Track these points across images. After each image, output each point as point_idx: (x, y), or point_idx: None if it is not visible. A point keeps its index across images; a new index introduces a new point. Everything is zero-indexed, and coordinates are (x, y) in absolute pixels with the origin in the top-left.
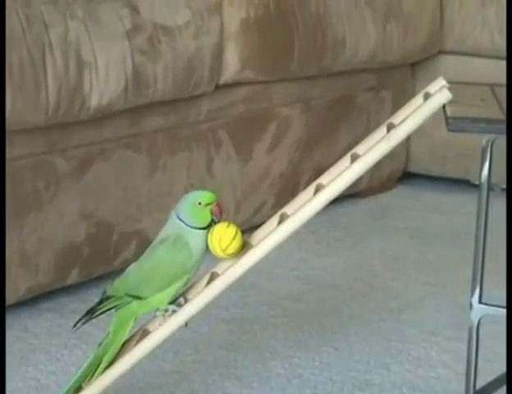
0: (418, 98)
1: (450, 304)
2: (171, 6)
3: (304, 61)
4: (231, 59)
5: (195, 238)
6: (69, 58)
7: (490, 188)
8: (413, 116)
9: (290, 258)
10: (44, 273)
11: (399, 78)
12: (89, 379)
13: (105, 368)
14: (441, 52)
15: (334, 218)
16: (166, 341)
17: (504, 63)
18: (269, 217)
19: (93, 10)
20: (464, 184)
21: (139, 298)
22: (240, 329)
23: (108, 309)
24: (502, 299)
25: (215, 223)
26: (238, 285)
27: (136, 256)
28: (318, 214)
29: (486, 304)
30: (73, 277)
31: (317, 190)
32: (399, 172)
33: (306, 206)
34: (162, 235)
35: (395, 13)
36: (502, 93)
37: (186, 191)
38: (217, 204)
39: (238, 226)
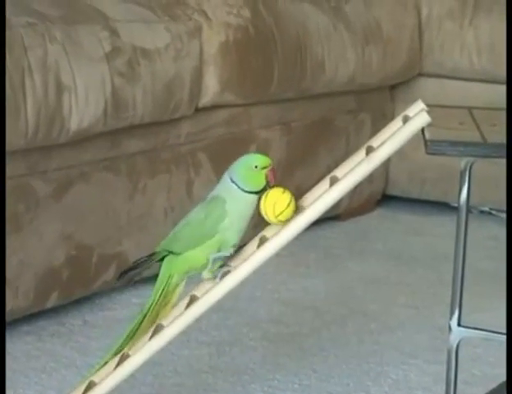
0: (397, 121)
1: (430, 326)
2: (151, 29)
3: (284, 83)
4: (211, 82)
5: (242, 202)
6: (48, 81)
7: (468, 210)
8: (391, 139)
9: (269, 280)
10: (24, 296)
11: (378, 101)
12: (134, 335)
13: (148, 321)
14: (420, 74)
15: (314, 241)
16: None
17: (482, 85)
18: (250, 238)
19: (72, 33)
20: (443, 206)
21: (172, 253)
22: (219, 352)
23: (149, 263)
24: (481, 321)
25: (269, 188)
26: (218, 307)
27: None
28: (298, 237)
29: (465, 327)
30: (53, 300)
31: (297, 213)
32: (378, 195)
33: (286, 228)
34: (210, 195)
35: (374, 36)
36: (480, 116)
37: (166, 214)
38: (272, 169)
39: (292, 193)
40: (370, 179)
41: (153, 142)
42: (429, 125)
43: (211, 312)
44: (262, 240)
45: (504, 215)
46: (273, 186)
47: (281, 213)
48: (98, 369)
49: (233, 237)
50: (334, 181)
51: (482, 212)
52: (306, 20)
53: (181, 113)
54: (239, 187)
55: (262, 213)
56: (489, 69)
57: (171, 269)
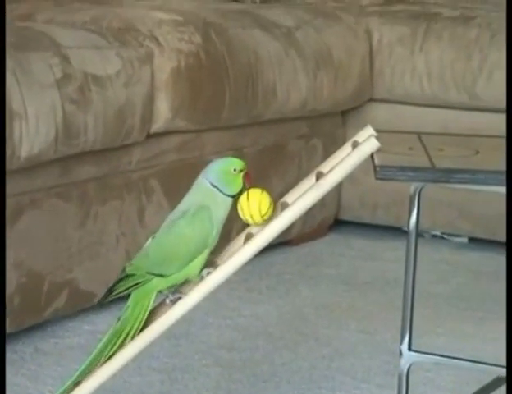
0: (347, 147)
1: (381, 351)
2: (102, 56)
3: (235, 109)
4: (162, 108)
5: (222, 206)
6: None
7: (420, 235)
8: (341, 165)
9: (222, 306)
10: None
11: (329, 126)
12: (110, 353)
13: (120, 343)
14: (372, 100)
15: (266, 266)
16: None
17: (432, 110)
18: None
19: (23, 59)
20: (395, 230)
21: (161, 276)
22: (171, 379)
23: (129, 288)
24: (432, 345)
25: (246, 190)
26: (170, 334)
27: (68, 306)
28: (250, 262)
29: (415, 352)
30: None
31: (248, 238)
32: (330, 220)
33: (236, 255)
34: (182, 206)
35: (325, 62)
36: (429, 141)
37: (118, 241)
38: (247, 171)
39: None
40: (322, 204)
41: (105, 168)
42: (378, 150)
43: (163, 338)
44: (214, 264)
45: (455, 239)
46: (249, 188)
47: (267, 211)
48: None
49: (215, 241)
50: (284, 207)
51: (434, 236)
52: (257, 47)
53: (133, 139)
54: (220, 191)
55: (245, 215)
56: (439, 94)
57: (156, 289)
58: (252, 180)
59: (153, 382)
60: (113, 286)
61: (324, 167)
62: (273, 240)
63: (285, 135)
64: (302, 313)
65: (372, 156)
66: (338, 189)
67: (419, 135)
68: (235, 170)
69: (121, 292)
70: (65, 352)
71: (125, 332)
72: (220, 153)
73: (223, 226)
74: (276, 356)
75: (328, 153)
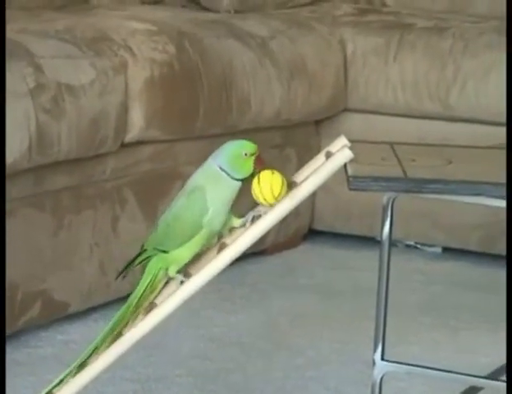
0: (320, 157)
1: (355, 360)
2: (76, 65)
3: (209, 119)
4: (136, 118)
5: (227, 189)
6: None
7: (393, 244)
8: (314, 175)
9: (195, 316)
10: None
11: (304, 135)
12: (116, 332)
13: (130, 315)
14: (346, 110)
15: (240, 276)
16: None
17: (406, 120)
18: None
19: None
20: (369, 240)
21: (164, 252)
22: (144, 389)
23: (141, 261)
24: (405, 355)
25: (257, 172)
26: (143, 344)
27: (41, 316)
28: (224, 272)
29: (388, 361)
30: None
31: (221, 248)
32: (304, 229)
33: (209, 265)
34: (189, 183)
35: (299, 72)
36: (402, 151)
37: (91, 250)
38: (259, 155)
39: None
40: (296, 213)
41: (79, 178)
42: (352, 160)
43: (136, 348)
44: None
45: (429, 249)
46: (259, 171)
47: (280, 193)
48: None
49: (219, 225)
50: (258, 217)
51: (407, 246)
52: (232, 56)
53: (107, 149)
54: (229, 175)
55: (259, 198)
56: (413, 104)
57: (159, 267)
58: (264, 163)
59: (127, 392)
60: (133, 259)
61: (297, 177)
62: (247, 250)
63: (260, 145)
64: (276, 323)
65: (345, 166)
66: (312, 198)
67: (392, 145)
68: (245, 154)
69: (135, 265)
70: (38, 362)
71: (131, 305)
72: (194, 164)
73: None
74: (249, 366)
75: (302, 162)
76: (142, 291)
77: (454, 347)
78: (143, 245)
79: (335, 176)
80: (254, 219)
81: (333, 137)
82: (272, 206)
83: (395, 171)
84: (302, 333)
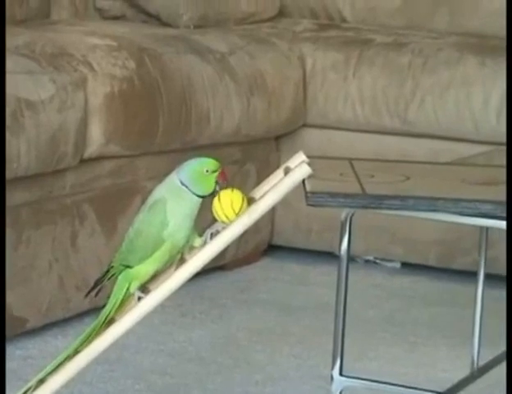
0: (279, 173)
1: (314, 376)
2: (35, 81)
3: (169, 134)
4: (96, 133)
5: (188, 204)
6: None
7: (353, 260)
8: (273, 191)
9: (155, 331)
10: None
11: (263, 151)
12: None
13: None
14: (305, 125)
15: (200, 291)
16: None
17: (366, 136)
18: None
19: None
20: (329, 255)
21: (129, 267)
22: None
23: (109, 278)
24: (364, 370)
25: (218, 191)
26: (103, 359)
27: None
28: (184, 287)
29: (346, 377)
30: None
31: (180, 264)
32: (264, 245)
33: (168, 281)
34: (151, 197)
35: (258, 87)
36: (360, 167)
37: (50, 266)
38: (222, 171)
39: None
40: (256, 229)
41: (38, 193)
42: (310, 176)
43: (95, 364)
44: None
45: (388, 264)
46: (220, 189)
47: (240, 208)
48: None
49: (182, 239)
50: (216, 234)
51: (366, 261)
52: (191, 72)
53: (66, 164)
54: (190, 190)
55: (220, 215)
56: (372, 120)
57: (127, 282)
58: (227, 178)
59: None
60: (102, 277)
61: (256, 193)
62: (207, 265)
63: (219, 161)
64: (235, 339)
65: (303, 182)
66: (272, 214)
67: (350, 160)
68: (207, 171)
69: (103, 283)
70: None
71: (101, 321)
72: (154, 179)
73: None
74: (209, 381)
75: (262, 178)
76: (110, 308)
77: (412, 362)
78: (111, 262)
79: (294, 192)
80: (212, 236)
81: (293, 153)
82: (228, 222)
83: (354, 188)
84: (261, 349)
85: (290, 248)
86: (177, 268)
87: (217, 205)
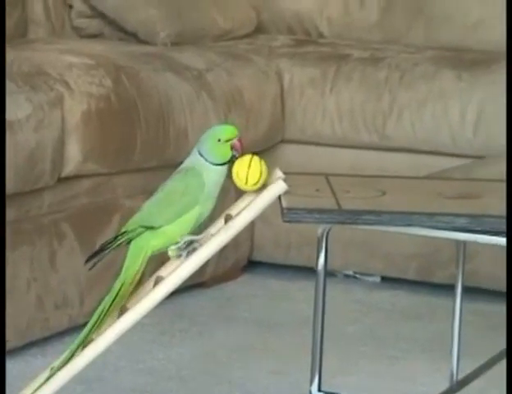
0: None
1: (293, 391)
2: (12, 100)
3: (147, 152)
4: (73, 152)
5: (212, 174)
6: None
7: (332, 275)
8: (249, 208)
9: (134, 349)
10: None
11: None
12: (102, 321)
13: (116, 305)
14: (283, 141)
15: (179, 308)
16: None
17: (344, 151)
18: None
19: None
20: (308, 271)
21: (152, 228)
22: None
23: (121, 243)
24: (344, 385)
25: (236, 159)
26: (82, 378)
27: None
28: (163, 305)
29: (325, 392)
30: None
31: (157, 282)
32: (243, 261)
33: (145, 299)
34: (177, 171)
35: (236, 104)
36: (336, 182)
37: (29, 285)
38: (238, 140)
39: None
40: (235, 245)
41: (15, 213)
42: (286, 192)
43: (75, 383)
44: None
45: (367, 278)
46: (240, 156)
47: (258, 180)
48: (65, 361)
49: (208, 208)
50: (193, 250)
51: (346, 276)
52: (169, 89)
53: (44, 183)
54: (206, 160)
55: (237, 182)
56: (350, 135)
57: (147, 246)
58: (242, 147)
59: None
60: (106, 244)
61: (233, 210)
62: (186, 282)
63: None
64: (215, 356)
65: (279, 198)
66: (251, 229)
67: (327, 176)
68: (219, 140)
69: (113, 248)
70: None
71: (117, 293)
72: (132, 196)
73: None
74: None
75: (240, 194)
76: (135, 270)
77: (392, 376)
78: (119, 230)
79: (273, 207)
80: (189, 253)
81: (271, 169)
82: (253, 191)
83: (330, 203)
84: (241, 365)
85: (269, 264)
86: (155, 285)
87: (234, 172)
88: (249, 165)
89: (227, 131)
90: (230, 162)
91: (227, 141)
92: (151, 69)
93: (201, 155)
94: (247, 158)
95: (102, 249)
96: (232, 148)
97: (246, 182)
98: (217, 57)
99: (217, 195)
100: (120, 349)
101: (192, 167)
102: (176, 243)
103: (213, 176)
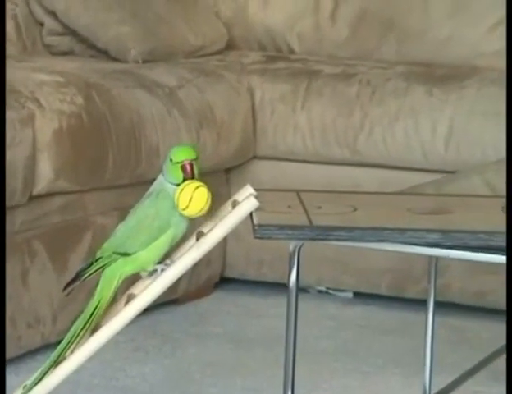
0: (227, 206)
1: None
2: None
3: (119, 169)
4: (45, 169)
5: (170, 193)
6: None
7: (305, 290)
8: (221, 224)
9: (108, 367)
10: None
11: (213, 184)
12: (75, 342)
13: (89, 327)
14: (255, 157)
15: (152, 325)
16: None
17: (316, 167)
18: None
19: None
20: (281, 287)
21: (126, 254)
22: None
23: (96, 270)
24: None
25: (182, 182)
26: None
27: None
28: (136, 321)
29: None
30: None
31: (129, 299)
32: (216, 277)
33: (117, 317)
34: (149, 190)
35: (208, 120)
36: (308, 198)
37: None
38: (189, 163)
39: (207, 186)
40: (207, 261)
41: None
42: (258, 209)
43: None
44: (95, 329)
45: (340, 294)
46: (190, 179)
47: (202, 208)
48: (38, 379)
49: (181, 229)
50: (165, 267)
51: (319, 291)
52: (140, 106)
53: (15, 201)
54: (166, 180)
55: (179, 207)
56: (322, 151)
57: (122, 271)
58: (188, 172)
59: None
60: (81, 270)
61: (205, 227)
62: (159, 299)
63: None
64: (188, 373)
65: (251, 215)
66: (223, 246)
67: (298, 192)
68: (171, 160)
69: (88, 276)
70: None
71: (88, 317)
72: (105, 214)
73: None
74: None
75: (212, 211)
76: (108, 294)
77: (365, 392)
78: (94, 255)
79: (245, 224)
80: (162, 271)
81: (243, 185)
82: (192, 217)
83: (301, 219)
84: (214, 382)
85: (242, 280)
86: (126, 303)
87: (176, 196)
88: (194, 192)
89: (180, 153)
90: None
91: (177, 163)
92: (122, 86)
93: (162, 174)
94: (192, 184)
95: (78, 276)
96: (182, 170)
97: (186, 209)
98: (189, 73)
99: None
100: (93, 366)
101: (162, 189)
102: (152, 270)
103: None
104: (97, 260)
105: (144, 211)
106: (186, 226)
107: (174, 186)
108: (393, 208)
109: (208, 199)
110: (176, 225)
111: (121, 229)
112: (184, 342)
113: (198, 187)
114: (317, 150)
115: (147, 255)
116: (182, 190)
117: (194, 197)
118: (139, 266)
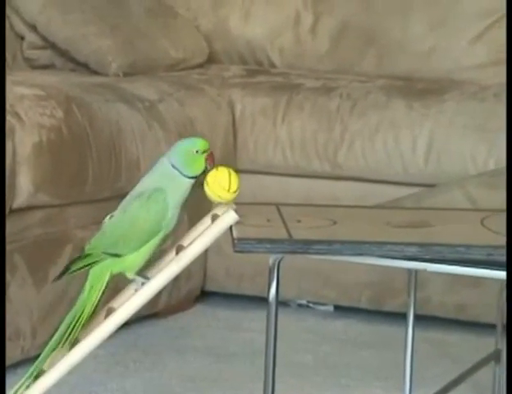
0: (207, 220)
1: None
2: None
3: (99, 183)
4: (24, 183)
5: (181, 188)
6: None
7: (286, 304)
8: (200, 238)
9: (88, 381)
10: None
11: (194, 198)
12: (65, 342)
13: (80, 325)
14: (236, 170)
15: (133, 339)
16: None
17: (296, 180)
18: None
19: None
20: (261, 300)
21: (116, 256)
22: None
23: (84, 266)
24: None
25: (208, 171)
26: None
27: None
28: (117, 335)
29: None
30: None
31: (108, 313)
32: (197, 291)
33: (96, 330)
34: (140, 185)
35: (188, 134)
36: (287, 212)
37: None
38: (211, 152)
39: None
40: (188, 275)
41: None
42: (237, 222)
43: None
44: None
45: (321, 307)
46: (211, 168)
47: (237, 188)
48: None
49: (171, 228)
50: (144, 282)
51: (300, 305)
52: (120, 120)
53: None
54: (181, 173)
55: (214, 194)
56: (302, 164)
57: (109, 270)
58: (214, 160)
59: None
60: (70, 264)
61: (184, 241)
62: (140, 313)
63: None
64: (169, 386)
65: (231, 228)
66: (204, 260)
67: (278, 206)
68: (197, 151)
69: (76, 270)
70: None
71: (79, 313)
72: (85, 227)
73: (185, 209)
74: None
75: (194, 224)
76: (95, 297)
77: None
78: (83, 249)
79: (225, 237)
80: (143, 285)
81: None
82: (227, 202)
83: (280, 233)
84: None
85: (222, 294)
86: (106, 316)
87: (209, 185)
88: (229, 173)
89: (203, 143)
90: (201, 175)
91: (203, 153)
92: (102, 100)
93: (175, 168)
94: (223, 168)
95: (67, 268)
96: (207, 160)
97: (229, 189)
98: (169, 87)
99: (178, 215)
100: (74, 380)
101: (156, 189)
102: (132, 278)
103: (180, 192)
104: (85, 256)
105: (135, 214)
106: (179, 217)
107: (190, 180)
108: (372, 222)
109: (233, 175)
110: (166, 227)
111: (111, 228)
112: (164, 356)
113: (229, 171)
114: (297, 164)
115: (135, 257)
116: (216, 176)
117: (232, 180)
118: (126, 267)
